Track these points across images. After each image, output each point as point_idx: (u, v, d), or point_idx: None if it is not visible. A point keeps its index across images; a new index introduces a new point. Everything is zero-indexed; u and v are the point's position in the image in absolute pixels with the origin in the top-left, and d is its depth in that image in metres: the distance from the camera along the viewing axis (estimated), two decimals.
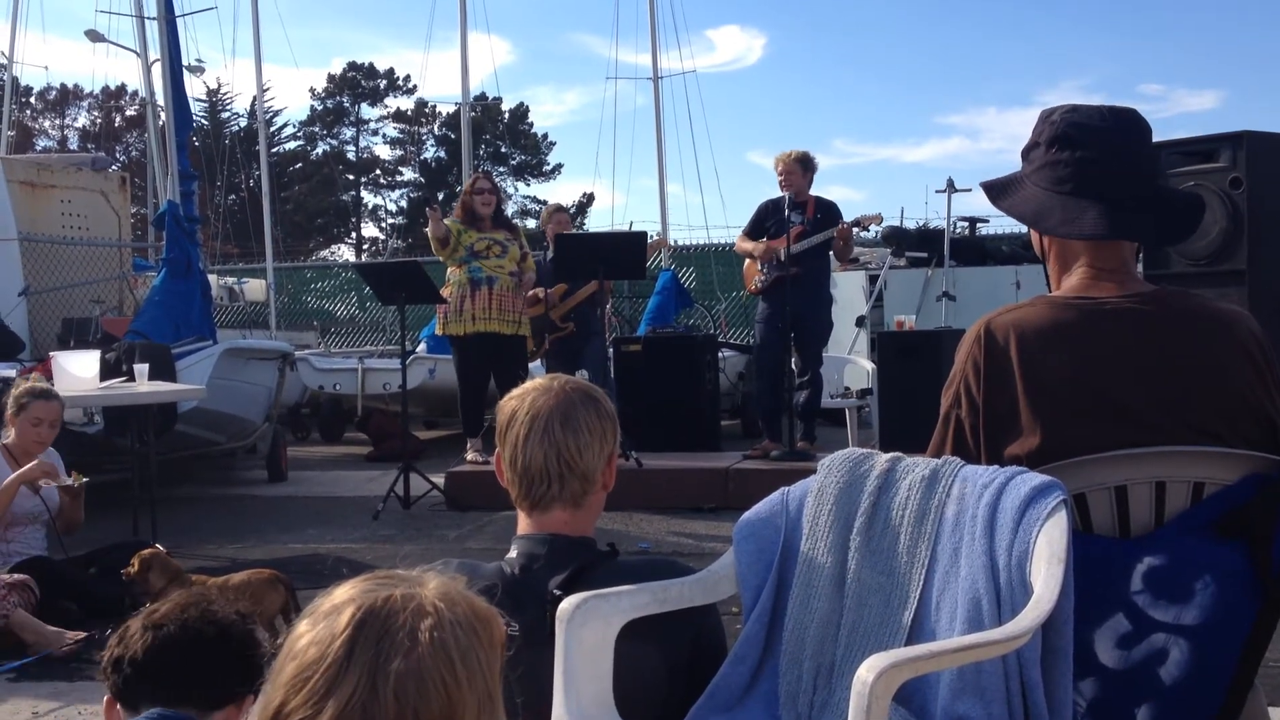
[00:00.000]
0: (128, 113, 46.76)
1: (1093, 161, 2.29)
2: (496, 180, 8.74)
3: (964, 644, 1.83)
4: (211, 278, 12.21)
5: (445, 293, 8.05)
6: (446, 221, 8.09)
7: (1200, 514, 2.14)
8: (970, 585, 2.00)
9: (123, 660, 1.99)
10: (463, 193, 8.51)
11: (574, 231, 9.40)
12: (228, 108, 47.57)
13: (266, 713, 1.12)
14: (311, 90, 52.15)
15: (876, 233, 13.10)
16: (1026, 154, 2.42)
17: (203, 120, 42.58)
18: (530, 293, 8.44)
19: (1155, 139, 2.44)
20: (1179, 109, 70.30)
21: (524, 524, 2.28)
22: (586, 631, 2.08)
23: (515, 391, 2.29)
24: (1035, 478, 2.04)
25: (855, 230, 8.31)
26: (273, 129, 45.78)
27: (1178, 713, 1.99)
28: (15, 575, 4.82)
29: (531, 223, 38.83)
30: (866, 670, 1.69)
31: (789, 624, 2.22)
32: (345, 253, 51.20)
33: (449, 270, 8.16)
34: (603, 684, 2.09)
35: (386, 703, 1.07)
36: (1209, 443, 2.17)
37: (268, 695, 1.12)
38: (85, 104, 49.78)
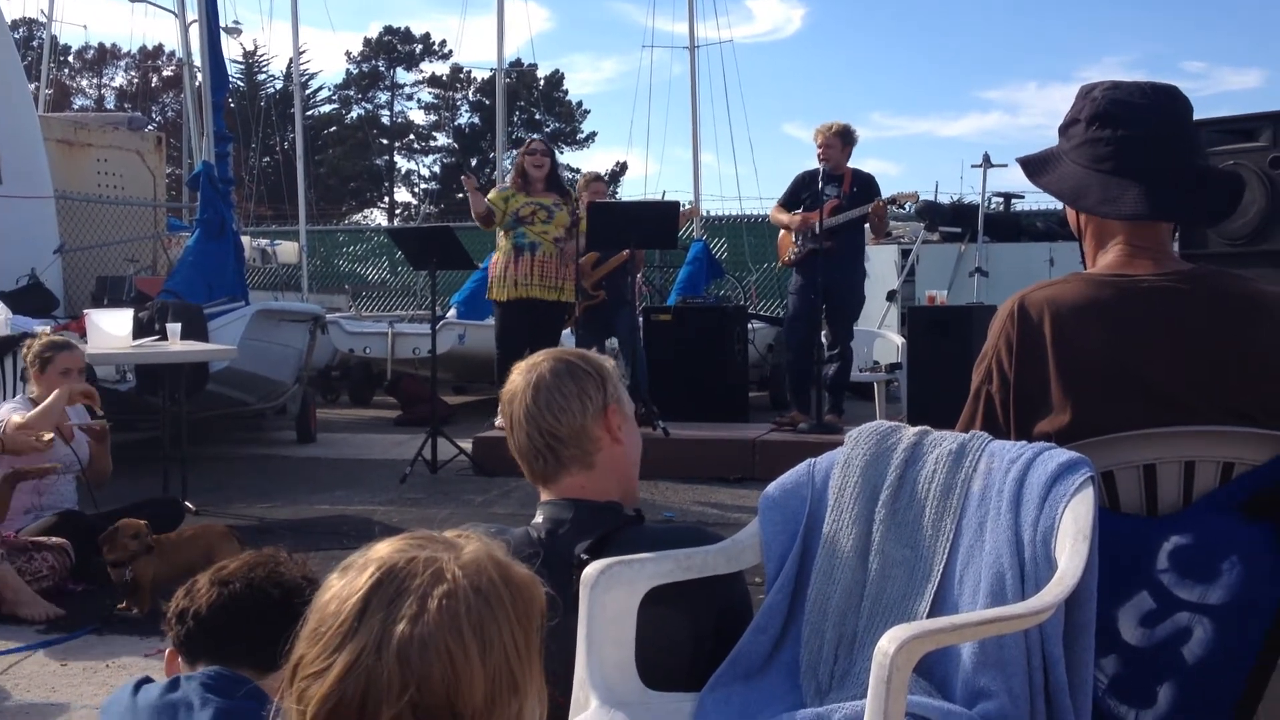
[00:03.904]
0: (164, 73, 47.03)
1: (1133, 140, 2.26)
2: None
3: (986, 617, 1.83)
4: (245, 239, 12.27)
5: (495, 259, 8.08)
6: (489, 196, 8.10)
7: (1229, 494, 2.12)
8: (994, 560, 1.99)
9: (187, 614, 2.00)
10: (519, 154, 8.54)
11: (606, 200, 9.37)
12: (264, 70, 47.79)
13: (290, 664, 1.12)
14: (347, 54, 52.28)
15: (910, 208, 13.03)
16: (1065, 130, 2.39)
17: (239, 82, 42.63)
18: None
19: (1196, 117, 2.40)
20: (1221, 87, 69.43)
21: (545, 493, 2.31)
22: (610, 597, 2.09)
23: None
24: (1063, 454, 2.02)
25: (890, 206, 8.26)
26: (308, 92, 45.82)
27: (1200, 691, 1.98)
28: (54, 539, 4.88)
29: None
30: (888, 641, 1.69)
31: (812, 594, 2.22)
32: (378, 217, 51.34)
33: (498, 236, 8.20)
34: (625, 650, 2.11)
35: (389, 667, 1.05)
36: (1241, 424, 2.15)
37: (296, 646, 1.12)
38: (123, 64, 50.07)
